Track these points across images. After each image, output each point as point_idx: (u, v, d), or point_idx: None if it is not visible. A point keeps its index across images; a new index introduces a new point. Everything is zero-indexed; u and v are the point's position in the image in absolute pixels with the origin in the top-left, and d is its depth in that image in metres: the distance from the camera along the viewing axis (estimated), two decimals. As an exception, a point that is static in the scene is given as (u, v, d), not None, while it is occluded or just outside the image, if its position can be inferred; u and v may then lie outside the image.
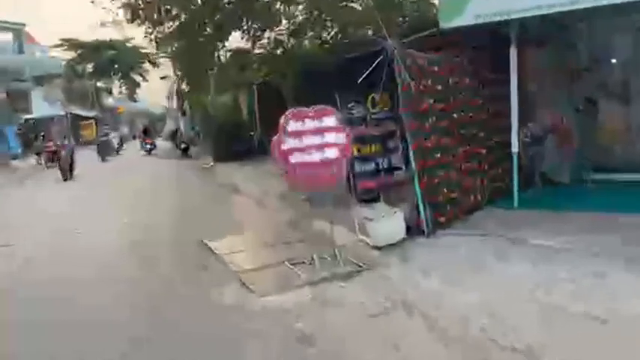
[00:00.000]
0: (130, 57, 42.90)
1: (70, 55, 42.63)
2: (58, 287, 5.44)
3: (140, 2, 8.33)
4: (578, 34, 7.67)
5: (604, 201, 6.66)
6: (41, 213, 10.17)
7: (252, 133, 19.01)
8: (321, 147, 5.27)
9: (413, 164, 5.92)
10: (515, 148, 6.84)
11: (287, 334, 3.93)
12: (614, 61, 8.22)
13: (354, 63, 7.51)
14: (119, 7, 8.66)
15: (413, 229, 5.97)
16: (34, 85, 26.86)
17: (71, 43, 40.96)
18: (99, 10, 9.74)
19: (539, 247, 5.32)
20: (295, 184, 5.22)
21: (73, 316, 4.59)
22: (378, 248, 5.69)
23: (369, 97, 6.87)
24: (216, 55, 8.94)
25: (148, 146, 26.04)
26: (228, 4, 8.28)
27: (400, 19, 7.66)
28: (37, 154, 21.44)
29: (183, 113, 32.95)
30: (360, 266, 5.31)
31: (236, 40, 9.18)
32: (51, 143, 18.02)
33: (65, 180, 15.24)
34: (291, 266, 5.54)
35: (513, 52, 6.66)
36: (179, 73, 9.81)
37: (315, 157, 5.25)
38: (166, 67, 18.66)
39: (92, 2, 8.46)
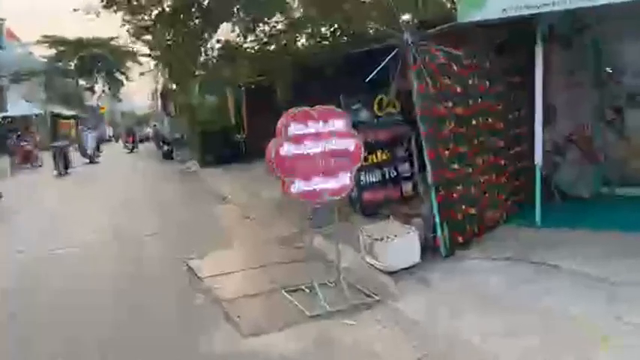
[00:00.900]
0: (113, 55, 41.70)
1: (52, 52, 41.33)
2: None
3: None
4: (606, 36, 6.97)
5: (631, 218, 5.95)
6: None
7: (238, 137, 18.19)
8: (325, 154, 4.44)
9: (429, 175, 5.12)
10: (538, 160, 6.09)
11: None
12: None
13: (359, 60, 6.75)
14: None
15: (427, 251, 5.17)
16: (9, 82, 25.51)
17: (53, 40, 39.68)
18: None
19: (575, 276, 4.56)
20: (293, 195, 4.38)
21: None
22: (390, 273, 4.87)
23: (376, 99, 6.10)
24: (202, 49, 8.08)
25: (130, 145, 28.48)
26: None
27: (406, 16, 6.91)
28: (11, 154, 20.23)
29: (168, 114, 32.00)
30: (370, 296, 4.49)
31: (224, 33, 8.36)
32: (25, 143, 16.86)
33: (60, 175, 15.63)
34: (286, 294, 4.70)
35: (539, 52, 5.91)
36: (162, 69, 8.84)
37: (318, 165, 4.42)
38: (149, 65, 17.73)
39: None
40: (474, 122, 5.78)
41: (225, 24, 7.98)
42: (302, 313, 4.23)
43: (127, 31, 7.74)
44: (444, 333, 3.63)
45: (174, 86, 17.00)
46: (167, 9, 6.80)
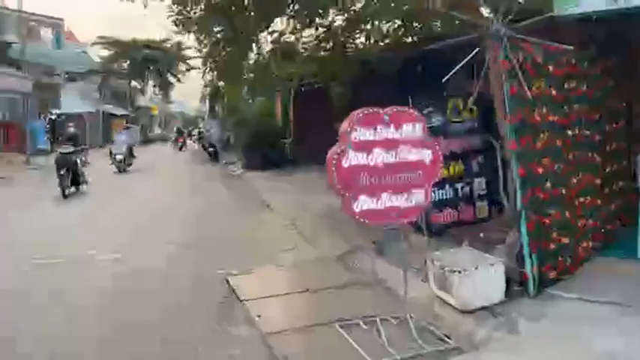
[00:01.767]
0: (165, 57, 42.52)
1: (108, 52, 42.60)
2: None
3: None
4: None
5: None
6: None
7: (285, 140, 17.67)
8: (396, 166, 3.68)
9: (518, 196, 4.25)
10: (643, 181, 5.09)
11: None
12: None
13: (427, 59, 5.95)
14: None
15: (511, 286, 4.29)
16: (65, 80, 26.17)
17: (108, 41, 40.86)
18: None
19: None
20: (356, 214, 3.63)
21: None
22: (466, 312, 4.03)
23: (450, 103, 5.28)
24: (253, 44, 7.48)
25: (180, 144, 32.02)
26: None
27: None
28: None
29: (215, 116, 32.28)
30: (445, 341, 3.68)
31: (278, 28, 7.71)
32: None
33: (65, 196, 10.76)
34: (341, 330, 3.95)
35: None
36: (210, 65, 8.31)
37: (388, 179, 3.66)
38: (198, 65, 17.41)
39: None
40: (569, 133, 4.85)
41: (278, 19, 7.37)
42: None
43: (174, 22, 7.22)
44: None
45: (221, 88, 16.66)
46: (218, -2, 6.25)
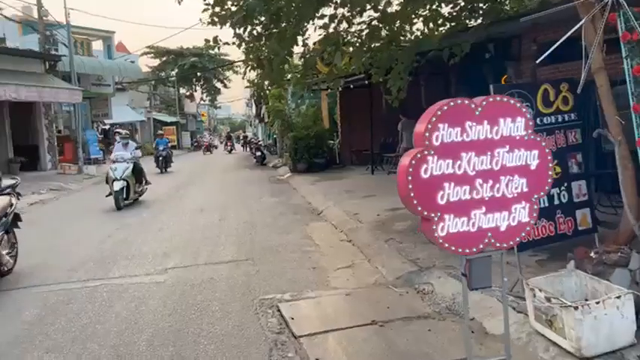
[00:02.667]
0: (212, 64, 43.02)
1: (156, 62, 43.61)
2: None
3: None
4: None
5: None
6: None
7: (332, 142, 17.02)
8: (492, 174, 2.80)
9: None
10: None
11: None
12: None
13: (499, 43, 5.00)
14: None
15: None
16: (115, 90, 26.67)
17: (156, 51, 41.76)
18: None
19: None
20: (440, 240, 2.78)
21: None
22: (586, 359, 3.10)
23: (540, 91, 4.30)
24: (299, 38, 6.75)
25: (229, 148, 36.78)
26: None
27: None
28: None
29: (262, 120, 32.26)
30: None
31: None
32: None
33: (118, 209, 10.14)
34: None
35: None
36: (251, 63, 7.65)
37: (481, 191, 2.79)
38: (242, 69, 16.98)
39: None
40: None
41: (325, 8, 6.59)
42: None
43: (211, 17, 6.60)
44: None
45: (266, 89, 16.15)
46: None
